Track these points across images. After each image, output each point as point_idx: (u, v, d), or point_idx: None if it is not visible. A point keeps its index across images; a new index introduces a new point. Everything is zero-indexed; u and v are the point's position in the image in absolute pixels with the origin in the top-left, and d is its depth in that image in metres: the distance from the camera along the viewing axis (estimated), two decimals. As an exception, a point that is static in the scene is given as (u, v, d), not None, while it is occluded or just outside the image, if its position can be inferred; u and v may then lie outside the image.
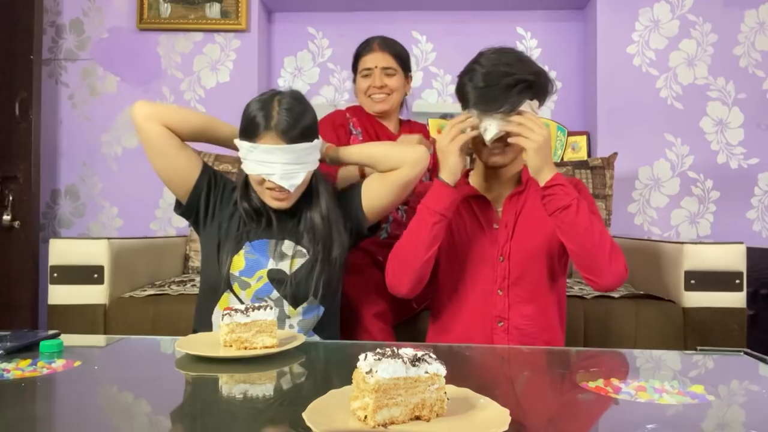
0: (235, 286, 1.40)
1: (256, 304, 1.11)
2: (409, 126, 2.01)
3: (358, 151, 1.49)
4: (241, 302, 1.38)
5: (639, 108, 2.75)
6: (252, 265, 1.40)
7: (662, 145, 2.76)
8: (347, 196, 1.49)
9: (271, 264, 1.40)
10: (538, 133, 1.29)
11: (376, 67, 1.88)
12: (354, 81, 1.97)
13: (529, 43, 2.98)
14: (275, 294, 1.38)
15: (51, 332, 1.17)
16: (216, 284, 1.41)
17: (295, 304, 1.39)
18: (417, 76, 3.00)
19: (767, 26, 2.74)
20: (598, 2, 2.77)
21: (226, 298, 1.40)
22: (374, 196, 1.46)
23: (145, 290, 1.98)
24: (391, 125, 1.95)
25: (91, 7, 2.89)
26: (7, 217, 2.55)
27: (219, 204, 1.46)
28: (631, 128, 2.75)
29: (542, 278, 1.42)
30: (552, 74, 2.91)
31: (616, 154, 2.49)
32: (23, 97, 2.60)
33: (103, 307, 1.89)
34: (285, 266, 1.40)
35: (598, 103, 2.76)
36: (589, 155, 2.77)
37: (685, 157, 2.75)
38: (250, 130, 1.35)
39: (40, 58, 2.73)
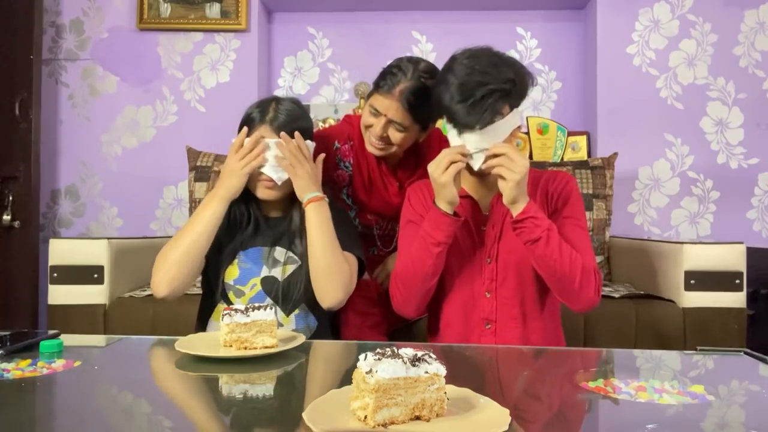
0: (231, 295, 1.43)
1: (256, 304, 1.12)
2: (415, 147, 1.68)
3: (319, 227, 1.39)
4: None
5: (639, 108, 2.75)
6: (245, 273, 1.43)
7: (662, 145, 2.76)
8: (337, 221, 1.45)
9: (265, 271, 1.43)
10: (519, 164, 1.26)
11: (385, 115, 1.52)
12: (367, 98, 1.62)
13: (529, 43, 2.98)
14: (268, 300, 1.41)
15: (51, 332, 1.17)
16: (211, 295, 1.45)
17: (287, 310, 1.41)
18: (417, 76, 2.99)
19: (767, 26, 2.74)
20: (598, 2, 2.77)
21: (220, 310, 1.42)
22: None
23: (145, 290, 1.98)
24: (394, 154, 1.64)
25: (91, 7, 2.89)
26: (7, 217, 2.55)
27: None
28: (631, 128, 2.75)
29: (531, 280, 1.40)
30: (552, 74, 2.97)
31: (616, 154, 2.49)
32: (23, 97, 2.60)
33: (103, 307, 1.89)
34: (277, 273, 1.43)
35: (598, 103, 2.76)
36: (589, 155, 2.77)
37: (685, 157, 2.75)
38: (247, 125, 1.43)
39: (40, 58, 2.73)
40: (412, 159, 1.71)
